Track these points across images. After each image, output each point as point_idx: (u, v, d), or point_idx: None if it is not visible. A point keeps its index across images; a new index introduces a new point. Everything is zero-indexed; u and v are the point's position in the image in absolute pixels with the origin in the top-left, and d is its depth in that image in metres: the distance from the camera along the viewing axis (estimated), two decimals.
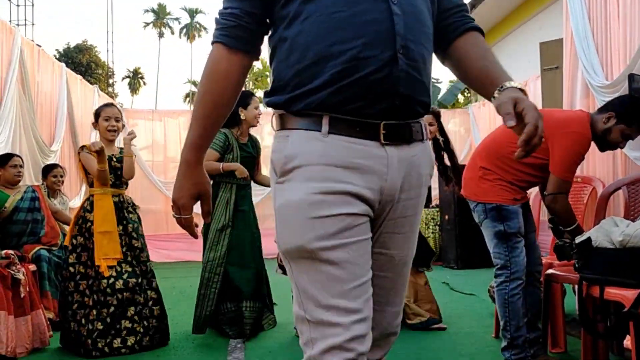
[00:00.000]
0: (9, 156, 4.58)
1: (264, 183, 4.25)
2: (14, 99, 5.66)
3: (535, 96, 7.79)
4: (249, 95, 4.03)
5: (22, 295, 3.44)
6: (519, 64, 9.99)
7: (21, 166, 4.54)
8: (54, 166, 5.28)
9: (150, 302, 3.65)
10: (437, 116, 3.79)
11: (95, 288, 3.51)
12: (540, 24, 9.41)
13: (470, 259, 7.22)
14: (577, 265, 2.56)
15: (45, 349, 3.59)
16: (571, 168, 2.81)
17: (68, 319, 3.52)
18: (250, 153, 4.08)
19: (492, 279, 3.06)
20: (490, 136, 3.20)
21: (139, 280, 3.62)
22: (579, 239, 2.53)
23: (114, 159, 3.74)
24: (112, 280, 3.53)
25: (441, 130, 3.80)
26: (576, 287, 3.49)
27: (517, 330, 2.88)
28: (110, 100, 9.73)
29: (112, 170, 3.71)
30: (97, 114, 3.80)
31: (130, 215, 3.77)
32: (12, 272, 3.42)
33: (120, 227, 3.65)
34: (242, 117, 3.95)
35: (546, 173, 2.86)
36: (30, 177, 5.76)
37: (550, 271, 3.09)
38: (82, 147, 3.75)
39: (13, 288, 3.40)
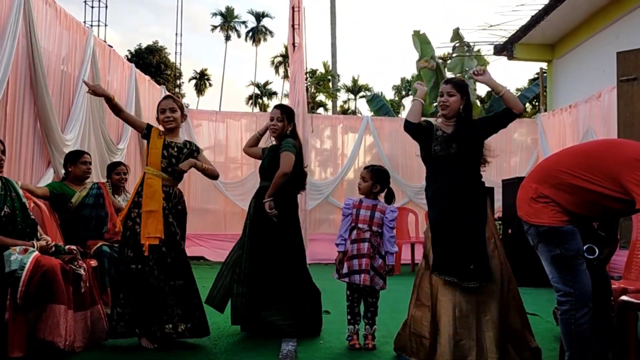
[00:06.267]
0: (80, 153, 4.73)
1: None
2: (85, 97, 5.85)
3: (609, 108, 7.42)
4: None
5: (82, 290, 3.52)
6: (592, 75, 9.57)
7: (90, 163, 4.68)
8: (118, 164, 5.40)
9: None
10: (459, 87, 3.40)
11: (144, 274, 3.59)
12: (617, 33, 8.98)
13: (532, 277, 6.91)
14: None
15: (103, 344, 3.65)
16: None
17: (120, 303, 3.61)
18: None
19: (556, 300, 2.86)
20: (549, 157, 3.05)
21: (181, 269, 3.71)
22: None
23: (175, 147, 3.82)
24: (152, 264, 3.61)
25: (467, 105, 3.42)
26: None
27: None
28: None
29: (168, 156, 3.78)
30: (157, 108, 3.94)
31: (179, 207, 3.85)
32: (74, 267, 3.50)
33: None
34: None
35: (608, 206, 2.66)
36: (97, 174, 5.94)
37: (624, 298, 2.89)
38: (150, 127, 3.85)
39: (74, 283, 3.48)
